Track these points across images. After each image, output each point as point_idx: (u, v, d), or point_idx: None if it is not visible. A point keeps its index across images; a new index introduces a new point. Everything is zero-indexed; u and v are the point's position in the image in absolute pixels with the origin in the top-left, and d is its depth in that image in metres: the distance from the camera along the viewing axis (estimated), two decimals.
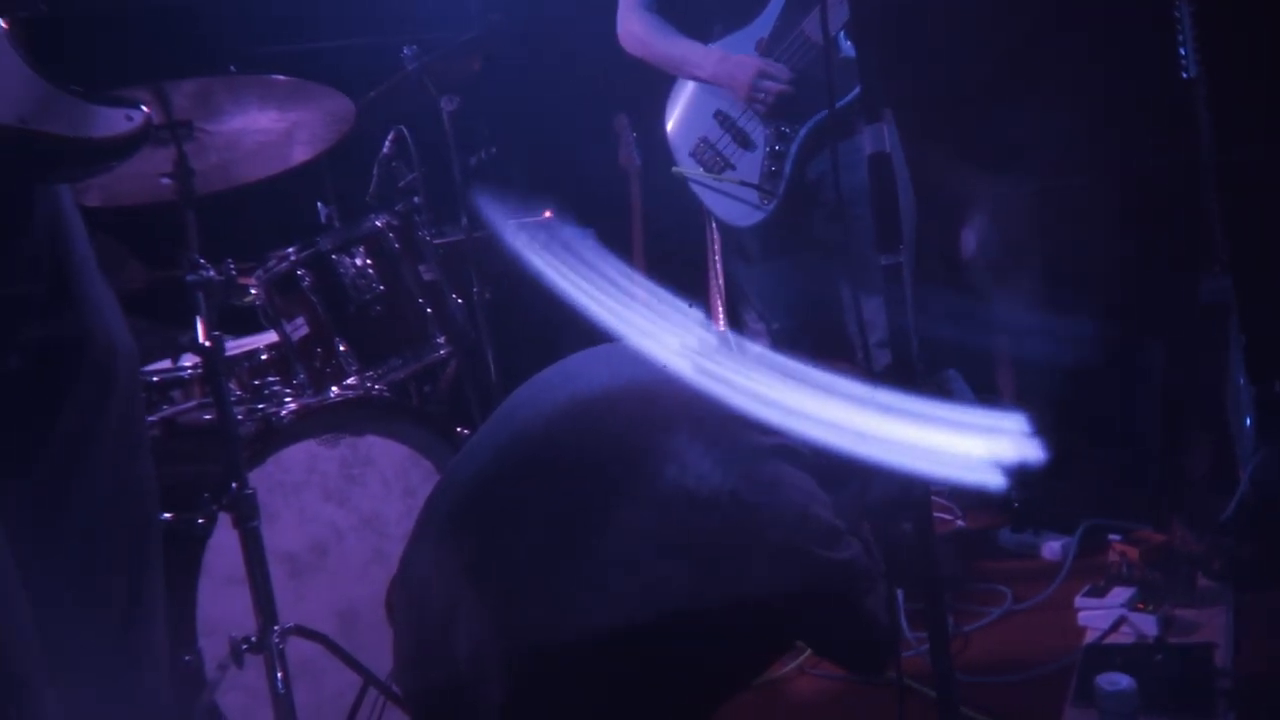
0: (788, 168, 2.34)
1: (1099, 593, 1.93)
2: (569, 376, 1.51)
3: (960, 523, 2.66)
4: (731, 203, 2.44)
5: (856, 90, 2.13)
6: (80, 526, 1.08)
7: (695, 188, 2.51)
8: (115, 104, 1.10)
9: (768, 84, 2.31)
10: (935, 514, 1.98)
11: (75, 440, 1.08)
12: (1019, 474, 2.50)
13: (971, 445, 1.26)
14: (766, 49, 2.32)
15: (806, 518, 1.32)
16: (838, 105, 2.20)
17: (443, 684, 1.33)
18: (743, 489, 1.30)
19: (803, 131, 2.32)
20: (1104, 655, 1.70)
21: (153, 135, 1.13)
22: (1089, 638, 1.85)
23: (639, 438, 1.34)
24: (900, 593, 1.84)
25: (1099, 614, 1.88)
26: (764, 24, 2.33)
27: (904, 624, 1.88)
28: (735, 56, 2.34)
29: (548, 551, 1.30)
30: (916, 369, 1.24)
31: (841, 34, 2.18)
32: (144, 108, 1.13)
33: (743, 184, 2.41)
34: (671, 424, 1.35)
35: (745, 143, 2.40)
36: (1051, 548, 2.32)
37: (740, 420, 1.37)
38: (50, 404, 1.08)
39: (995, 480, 1.22)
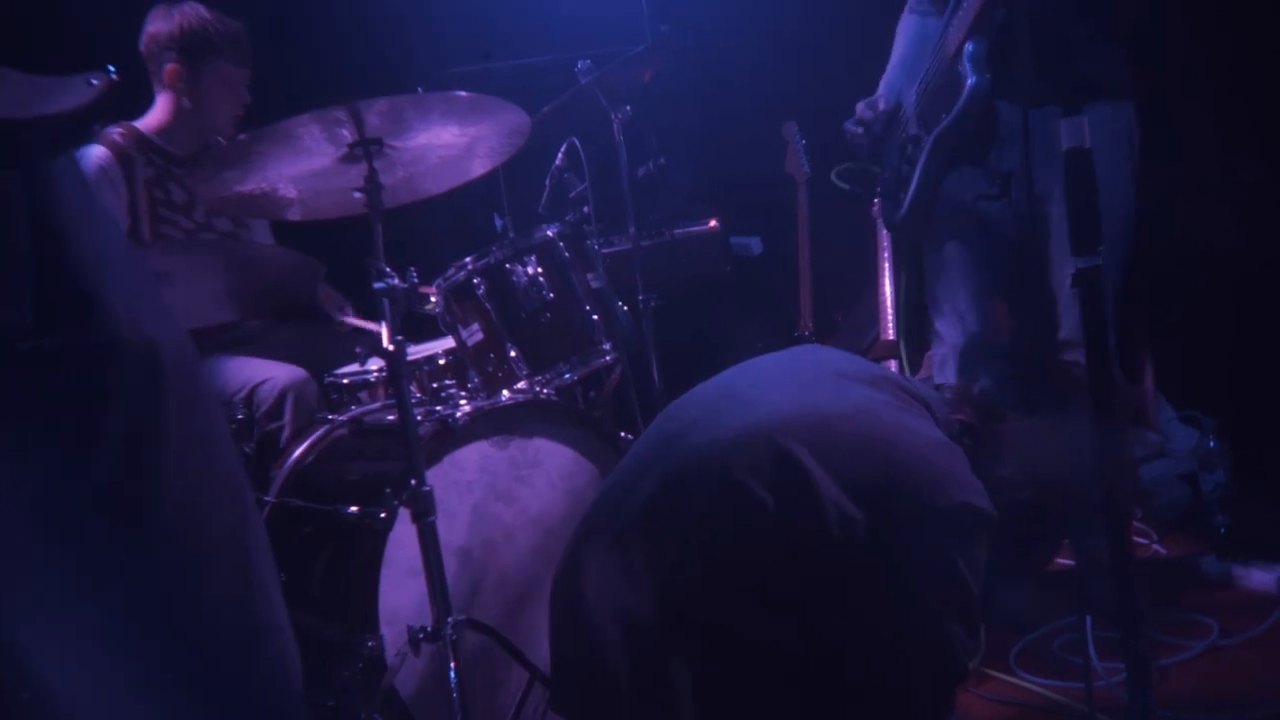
0: (916, 176, 2.25)
1: None
2: (741, 397, 1.49)
3: (1157, 548, 2.47)
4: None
5: (958, 109, 2.08)
6: (166, 524, 1.06)
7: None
8: (73, 73, 1.00)
9: (853, 125, 2.40)
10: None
11: (135, 442, 1.05)
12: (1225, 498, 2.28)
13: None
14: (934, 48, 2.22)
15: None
16: (945, 122, 2.13)
17: (601, 693, 1.35)
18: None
19: (929, 141, 2.20)
20: None
21: (115, 97, 1.01)
22: None
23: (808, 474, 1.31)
24: (1089, 620, 1.73)
25: None
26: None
27: (1093, 654, 1.76)
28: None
29: (714, 581, 1.32)
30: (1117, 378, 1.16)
31: (967, 49, 2.06)
32: (110, 67, 1.03)
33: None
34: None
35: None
36: (1262, 578, 2.11)
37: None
38: (91, 410, 1.03)
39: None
